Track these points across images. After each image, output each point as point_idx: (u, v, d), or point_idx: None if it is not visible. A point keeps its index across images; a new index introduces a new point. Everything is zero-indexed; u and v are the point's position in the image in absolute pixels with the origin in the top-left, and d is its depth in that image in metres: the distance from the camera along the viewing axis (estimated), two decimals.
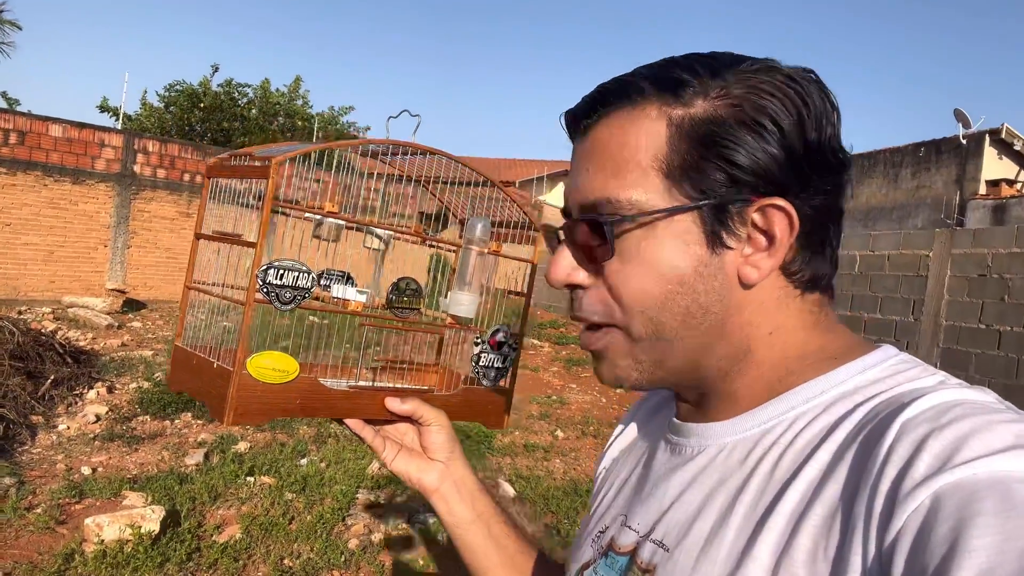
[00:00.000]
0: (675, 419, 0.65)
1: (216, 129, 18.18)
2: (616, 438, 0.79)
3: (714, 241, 0.55)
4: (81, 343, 7.59)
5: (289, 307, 0.87)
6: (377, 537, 3.92)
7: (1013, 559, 0.36)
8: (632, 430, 0.77)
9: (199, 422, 5.58)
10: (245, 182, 0.95)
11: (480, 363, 1.02)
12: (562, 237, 0.61)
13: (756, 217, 0.54)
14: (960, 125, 15.03)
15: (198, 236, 1.01)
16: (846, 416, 0.51)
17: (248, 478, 4.43)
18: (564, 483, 5.11)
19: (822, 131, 0.54)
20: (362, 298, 0.99)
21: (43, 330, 6.83)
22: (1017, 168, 15.27)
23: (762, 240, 0.55)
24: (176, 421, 5.57)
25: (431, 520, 4.07)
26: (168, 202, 12.18)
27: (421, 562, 3.76)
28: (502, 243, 1.09)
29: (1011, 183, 14.91)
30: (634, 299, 0.56)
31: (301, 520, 3.98)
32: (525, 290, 1.11)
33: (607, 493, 0.73)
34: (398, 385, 0.99)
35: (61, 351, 6.28)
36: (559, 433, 6.47)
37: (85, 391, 6.01)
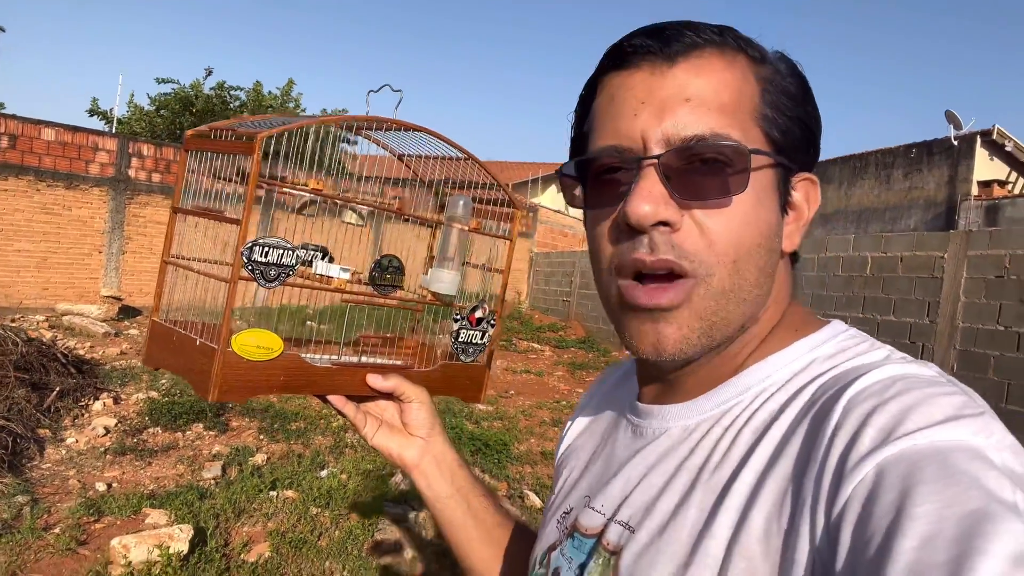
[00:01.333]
0: (636, 401, 0.65)
1: None
2: (575, 419, 0.80)
3: (782, 203, 0.56)
4: (79, 352, 7.40)
5: (274, 284, 0.88)
6: (409, 554, 3.80)
7: (953, 524, 0.37)
8: (591, 410, 0.78)
9: (211, 433, 5.43)
10: (226, 157, 0.92)
11: (459, 339, 1.04)
12: (658, 167, 0.54)
13: (800, 187, 0.57)
14: (951, 127, 15.12)
15: (175, 210, 0.99)
16: (797, 393, 0.52)
17: (271, 492, 4.29)
18: None
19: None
20: (345, 276, 1.00)
21: (45, 339, 6.63)
22: (1008, 169, 15.39)
23: (804, 211, 0.58)
24: (188, 433, 5.40)
25: None
26: (164, 207, 11.95)
27: None
28: (481, 220, 1.11)
29: (1003, 184, 15.02)
30: (730, 245, 0.54)
31: (330, 536, 3.85)
32: (503, 267, 1.13)
33: (570, 474, 0.73)
34: (379, 361, 1.01)
35: (64, 361, 6.10)
36: None
37: (90, 403, 5.82)
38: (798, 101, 0.56)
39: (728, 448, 0.54)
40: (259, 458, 4.95)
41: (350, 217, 1.08)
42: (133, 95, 18.60)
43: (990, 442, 0.42)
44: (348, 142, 1.18)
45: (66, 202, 10.86)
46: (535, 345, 12.70)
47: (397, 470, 4.80)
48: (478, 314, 1.07)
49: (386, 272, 1.03)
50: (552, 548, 0.68)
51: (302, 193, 0.95)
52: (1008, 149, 14.92)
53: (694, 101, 0.53)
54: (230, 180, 0.93)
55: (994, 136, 14.71)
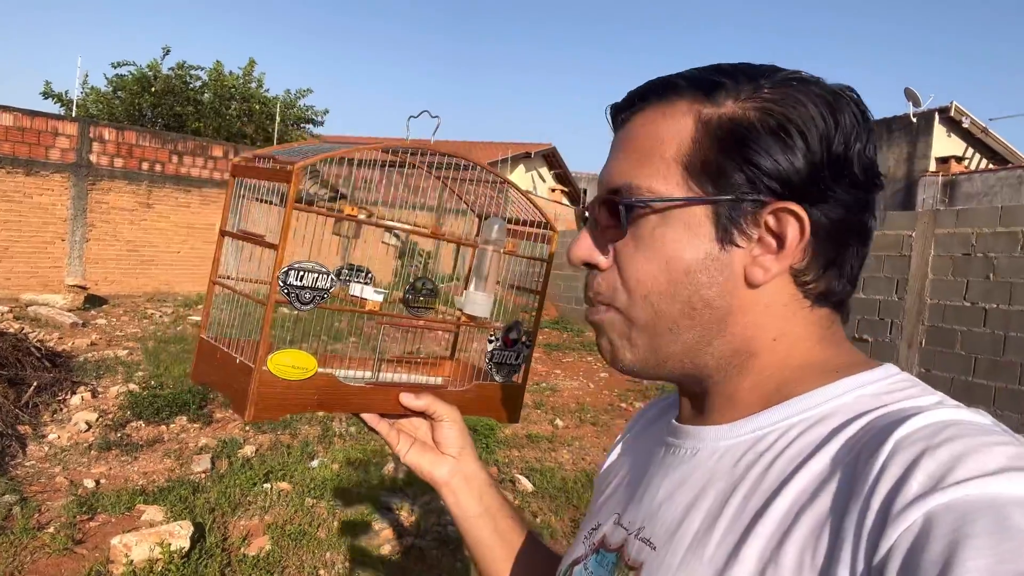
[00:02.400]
0: (674, 421, 0.66)
1: (168, 114, 17.40)
2: (619, 442, 0.81)
3: (724, 237, 0.56)
4: (50, 344, 7.24)
5: (308, 307, 0.90)
6: (408, 541, 3.84)
7: None
8: (634, 434, 0.79)
9: (196, 425, 5.38)
10: (268, 184, 0.96)
11: (493, 359, 1.05)
12: (588, 219, 0.64)
13: (769, 219, 0.56)
14: (910, 104, 15.44)
15: (223, 233, 1.02)
16: (841, 429, 0.51)
17: (265, 485, 4.28)
18: (577, 474, 5.09)
19: (849, 146, 0.55)
20: (379, 297, 1.01)
21: (17, 332, 6.48)
22: (965, 145, 15.78)
23: (772, 243, 0.56)
24: (172, 425, 5.35)
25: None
26: (127, 192, 11.68)
27: (459, 565, 3.70)
28: (518, 242, 1.12)
29: (959, 160, 15.42)
30: (639, 283, 0.59)
31: (328, 527, 3.87)
32: (540, 288, 1.14)
33: (604, 492, 0.75)
34: (412, 380, 1.03)
35: (39, 355, 5.97)
36: (558, 422, 6.46)
37: (68, 397, 5.71)
38: (776, 133, 0.55)
39: (761, 475, 0.53)
40: (248, 450, 4.93)
41: (389, 239, 1.18)
42: (88, 76, 18.00)
43: None
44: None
45: (27, 189, 10.54)
46: None
47: (389, 457, 4.83)
48: (512, 335, 1.07)
49: (420, 294, 1.05)
50: (576, 562, 0.69)
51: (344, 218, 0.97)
52: (965, 126, 15.29)
53: (620, 157, 0.61)
54: (272, 203, 0.95)
55: (951, 113, 15.06)
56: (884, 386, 0.54)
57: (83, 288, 10.22)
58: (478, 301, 1.08)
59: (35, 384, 5.44)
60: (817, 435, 0.52)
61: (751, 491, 0.53)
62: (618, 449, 0.80)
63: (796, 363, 0.58)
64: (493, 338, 1.06)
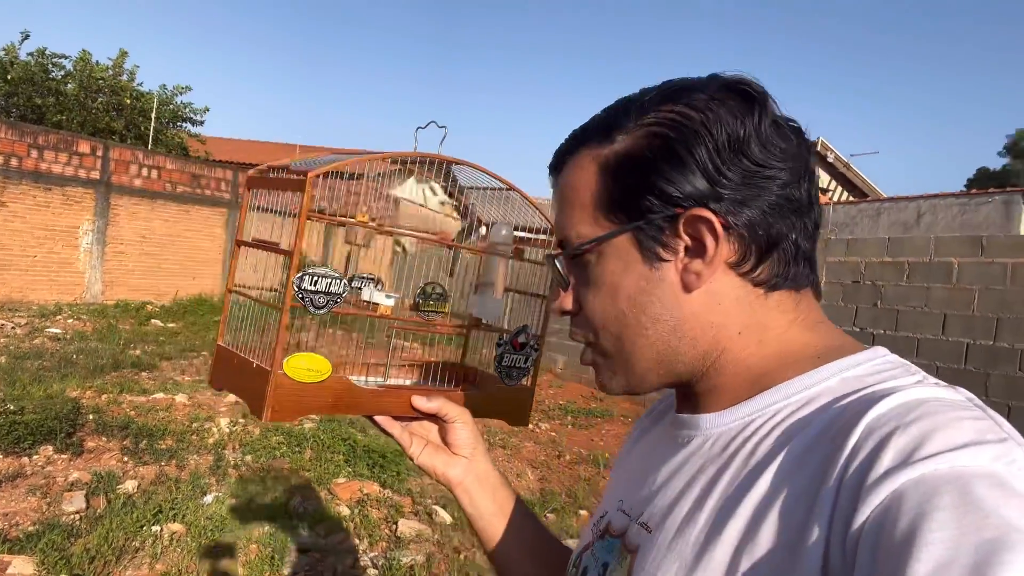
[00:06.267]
0: (674, 412, 0.69)
1: (26, 105, 15.76)
2: (631, 433, 0.84)
3: (651, 257, 0.61)
4: None
5: (322, 311, 0.93)
6: None
7: (969, 552, 0.38)
8: (644, 426, 0.82)
9: (64, 456, 4.74)
10: (282, 193, 0.99)
11: (503, 363, 1.07)
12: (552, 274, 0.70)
13: (686, 229, 0.59)
14: None
15: (239, 243, 1.06)
16: (822, 411, 0.53)
17: (154, 528, 3.79)
18: None
19: (737, 137, 0.57)
20: (390, 302, 1.05)
21: None
22: (829, 178, 17.02)
23: (698, 248, 0.59)
24: (35, 457, 4.69)
25: (382, 561, 3.71)
26: None
27: None
28: (522, 248, 1.16)
29: (824, 191, 16.59)
30: (596, 318, 0.64)
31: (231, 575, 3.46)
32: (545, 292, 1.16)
33: (613, 483, 0.78)
34: (424, 383, 1.06)
35: None
36: None
37: None
38: (662, 152, 0.59)
39: (746, 458, 0.55)
40: (128, 485, 4.38)
41: (399, 247, 1.13)
42: None
43: (1011, 469, 0.43)
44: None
45: None
46: (404, 343, 12.38)
47: (297, 493, 4.44)
48: (521, 339, 1.09)
49: (429, 299, 1.07)
50: (585, 549, 0.71)
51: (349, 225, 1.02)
52: (830, 160, 16.46)
53: (556, 213, 0.68)
54: (288, 214, 0.97)
55: (818, 148, 16.17)
56: (869, 368, 0.56)
57: None
58: (487, 305, 1.11)
59: None
60: (799, 419, 0.54)
61: (736, 474, 0.55)
62: (630, 440, 0.82)
63: (771, 351, 0.61)
64: (502, 341, 1.08)
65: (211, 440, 5.36)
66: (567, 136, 0.68)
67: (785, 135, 0.60)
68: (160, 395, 6.52)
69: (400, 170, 1.14)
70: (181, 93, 17.85)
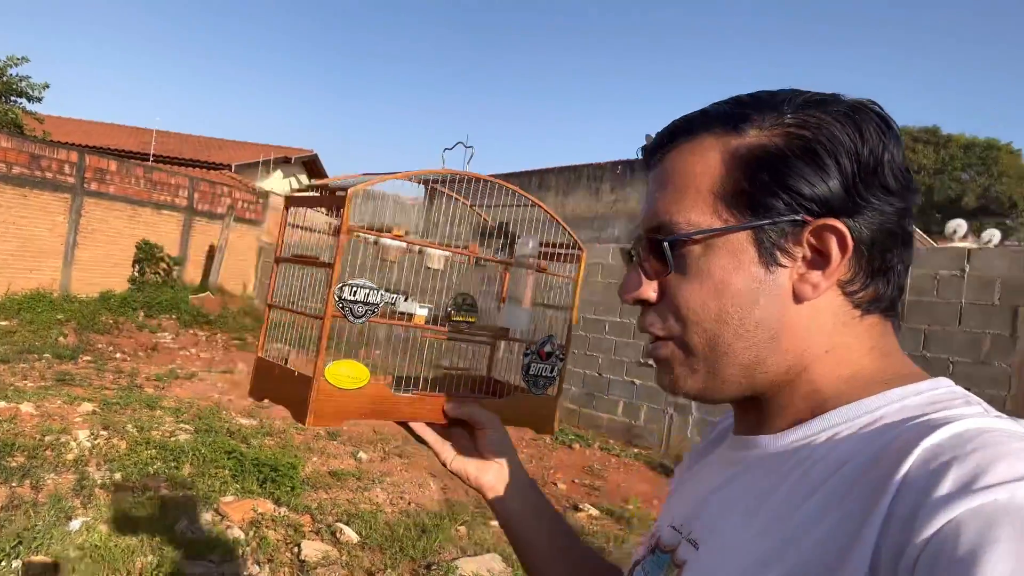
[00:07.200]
0: (732, 433, 0.68)
1: None
2: (684, 462, 0.83)
3: (768, 260, 0.58)
4: None
5: (361, 320, 0.97)
6: None
7: None
8: (704, 445, 0.81)
9: None
10: (322, 210, 1.03)
11: (530, 372, 1.11)
12: (633, 256, 0.67)
13: (811, 237, 0.58)
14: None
15: (279, 260, 1.10)
16: (877, 436, 0.53)
17: (14, 562, 3.22)
18: (400, 516, 4.61)
19: (877, 157, 0.57)
20: (424, 312, 1.08)
21: None
22: None
23: (817, 259, 0.58)
24: None
25: None
26: None
27: None
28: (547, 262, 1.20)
29: None
30: (691, 312, 0.61)
31: None
32: (571, 304, 1.21)
33: (668, 504, 0.77)
34: (455, 392, 1.09)
35: None
36: (361, 455, 5.88)
37: None
38: (804, 154, 0.57)
39: (800, 480, 0.55)
40: None
41: (432, 263, 1.13)
42: None
43: None
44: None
45: None
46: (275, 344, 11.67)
47: (182, 516, 3.96)
48: (547, 349, 1.13)
49: (460, 309, 1.11)
50: (637, 563, 0.71)
51: (386, 240, 1.06)
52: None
53: (657, 195, 0.63)
54: (325, 231, 1.03)
55: None
56: (930, 397, 0.55)
57: None
58: (515, 316, 1.14)
59: None
60: (856, 442, 0.54)
61: (787, 496, 0.54)
62: (685, 465, 0.82)
63: (846, 374, 0.59)
64: (528, 351, 1.12)
65: (70, 456, 4.70)
66: (680, 118, 0.65)
67: (907, 169, 0.60)
68: (1, 404, 5.68)
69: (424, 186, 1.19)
70: (15, 65, 15.94)
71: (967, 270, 5.30)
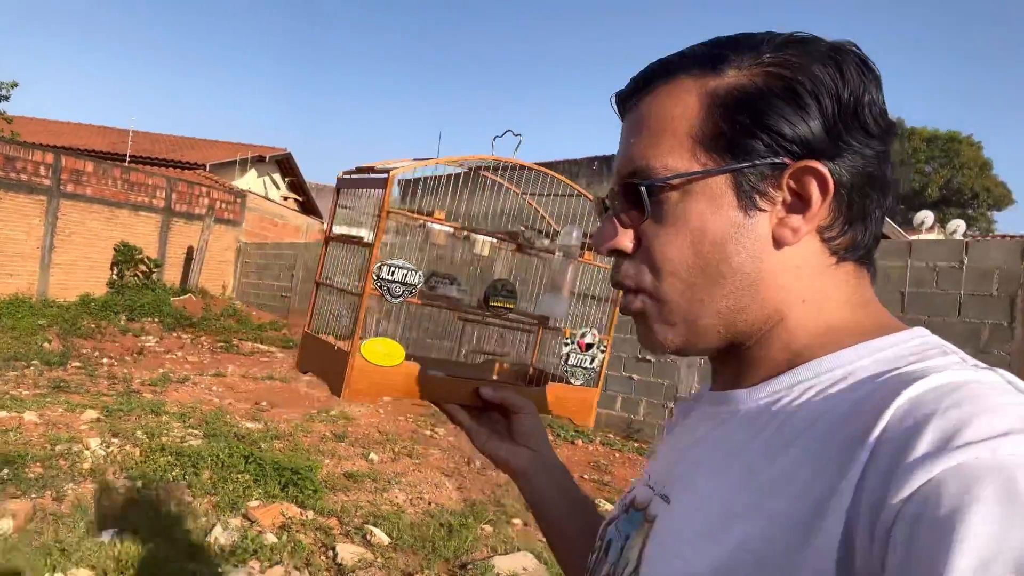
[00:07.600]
0: (708, 390, 0.68)
1: None
2: (668, 422, 0.84)
3: (747, 204, 0.57)
4: None
5: (399, 300, 0.99)
6: None
7: (1014, 548, 0.36)
8: (681, 412, 0.82)
9: None
10: (368, 192, 1.07)
11: (569, 362, 1.11)
12: (608, 206, 0.65)
13: (791, 181, 0.56)
14: None
15: (328, 239, 1.14)
16: (851, 390, 0.52)
17: (56, 575, 3.17)
18: (423, 516, 4.63)
19: (858, 98, 0.56)
20: (461, 295, 1.09)
21: None
22: None
23: (797, 203, 0.57)
24: None
25: None
26: None
27: None
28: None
29: None
30: (666, 262, 0.59)
31: None
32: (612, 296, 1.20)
33: (647, 464, 0.78)
34: (492, 376, 1.10)
35: None
36: (373, 456, 5.88)
37: None
38: (784, 94, 0.55)
39: (773, 434, 0.54)
40: (3, 524, 3.66)
41: (478, 248, 1.13)
42: None
43: None
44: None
45: None
46: (260, 346, 11.57)
47: (212, 525, 3.93)
48: (587, 339, 1.12)
49: (499, 295, 1.10)
50: (610, 523, 0.70)
51: (430, 223, 1.08)
52: None
53: (632, 141, 0.61)
54: (369, 213, 1.05)
55: None
56: (906, 349, 0.53)
57: None
58: (555, 305, 1.13)
59: None
60: (829, 396, 0.52)
61: (760, 451, 0.54)
62: (669, 425, 0.82)
63: (822, 326, 0.58)
64: (568, 341, 1.11)
65: (86, 465, 4.64)
66: (657, 60, 0.63)
67: (886, 113, 0.58)
68: (1, 413, 5.56)
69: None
70: None
71: (965, 262, 5.49)
